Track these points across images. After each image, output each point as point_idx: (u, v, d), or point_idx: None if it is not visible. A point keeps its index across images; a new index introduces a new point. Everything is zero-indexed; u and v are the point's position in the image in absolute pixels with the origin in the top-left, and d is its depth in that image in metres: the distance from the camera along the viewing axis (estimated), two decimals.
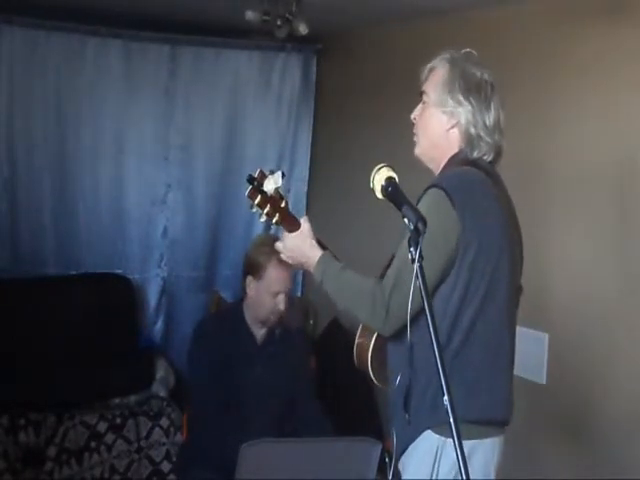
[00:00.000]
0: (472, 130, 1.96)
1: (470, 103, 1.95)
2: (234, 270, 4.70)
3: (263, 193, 1.94)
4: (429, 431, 1.87)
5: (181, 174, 4.51)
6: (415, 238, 1.48)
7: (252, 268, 2.84)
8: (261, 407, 2.84)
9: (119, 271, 4.39)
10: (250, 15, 3.22)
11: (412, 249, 1.47)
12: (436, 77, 2.02)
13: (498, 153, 2.01)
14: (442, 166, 2.01)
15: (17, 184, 4.11)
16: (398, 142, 3.83)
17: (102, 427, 3.68)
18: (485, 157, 1.98)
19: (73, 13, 3.97)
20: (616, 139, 2.91)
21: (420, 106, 2.07)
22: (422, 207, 1.82)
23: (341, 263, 1.98)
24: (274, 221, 2.01)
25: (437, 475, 1.88)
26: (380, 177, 1.74)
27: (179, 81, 4.42)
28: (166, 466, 3.72)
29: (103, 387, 3.88)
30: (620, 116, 2.89)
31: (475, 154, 1.98)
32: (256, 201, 1.95)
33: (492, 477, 1.99)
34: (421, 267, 1.47)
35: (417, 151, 2.08)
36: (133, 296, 4.36)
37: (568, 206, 3.07)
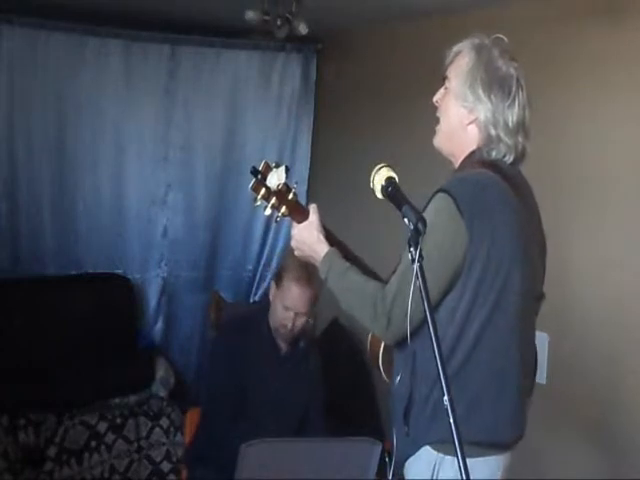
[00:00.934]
0: (492, 130, 1.87)
1: (490, 100, 1.86)
2: (234, 270, 4.72)
3: (267, 187, 1.87)
4: (427, 447, 1.82)
5: (181, 174, 4.51)
6: (415, 238, 1.47)
7: (278, 274, 2.78)
8: (277, 417, 2.77)
9: (119, 271, 4.39)
10: (250, 15, 3.21)
11: (412, 249, 1.45)
12: (459, 64, 1.91)
13: (521, 154, 1.91)
14: (460, 162, 1.93)
15: (17, 184, 4.11)
16: (398, 142, 3.86)
17: (102, 427, 3.68)
18: (505, 158, 1.89)
19: (73, 13, 3.97)
20: (618, 141, 2.91)
21: (442, 90, 1.96)
22: (429, 212, 1.78)
23: (346, 262, 1.91)
24: (281, 213, 1.92)
25: None
26: (380, 177, 1.73)
27: (179, 81, 4.42)
28: (166, 466, 3.72)
29: (103, 387, 3.88)
30: (620, 116, 2.89)
31: (494, 155, 1.88)
32: (260, 194, 1.87)
33: None
34: (421, 267, 1.45)
35: (435, 141, 1.99)
36: (133, 296, 4.36)
37: (567, 207, 3.07)
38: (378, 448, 2.19)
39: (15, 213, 4.12)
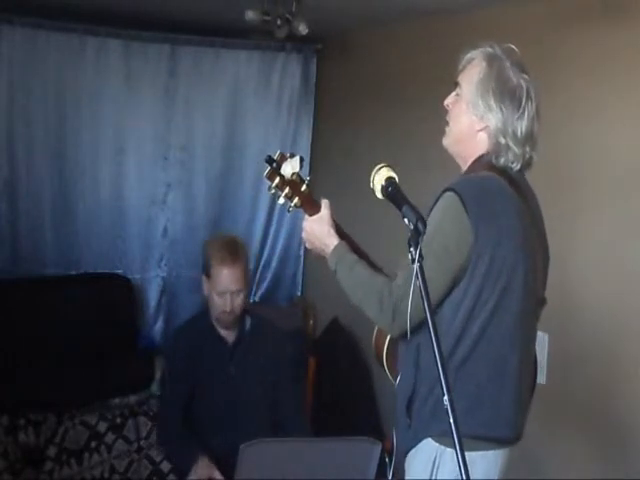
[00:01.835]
0: (501, 139, 1.90)
1: (501, 110, 1.89)
2: None
3: (281, 176, 1.92)
4: (429, 439, 1.85)
5: (181, 174, 4.50)
6: (415, 238, 1.48)
7: (205, 267, 2.87)
8: (245, 405, 2.86)
9: (119, 271, 4.39)
10: (250, 15, 3.22)
11: (412, 249, 1.46)
12: (472, 72, 1.94)
13: (527, 163, 1.96)
14: (468, 164, 1.97)
15: (17, 184, 4.11)
16: (398, 142, 3.85)
17: (102, 427, 3.67)
18: (512, 165, 1.93)
19: (73, 13, 3.97)
20: (617, 141, 2.91)
21: (454, 95, 1.99)
22: (436, 212, 1.83)
23: (355, 256, 1.95)
24: (293, 204, 1.97)
25: None
26: (380, 177, 1.74)
27: (179, 81, 4.41)
28: (166, 466, 3.71)
29: (103, 387, 3.87)
30: (621, 116, 2.88)
31: (502, 161, 1.92)
32: (274, 183, 1.93)
33: None
34: (421, 267, 1.46)
35: (445, 142, 2.03)
36: (133, 296, 4.36)
37: (567, 208, 3.07)
38: (378, 448, 2.19)
39: (15, 213, 4.12)
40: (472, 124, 1.93)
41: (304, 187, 1.96)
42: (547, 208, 2.04)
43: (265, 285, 4.71)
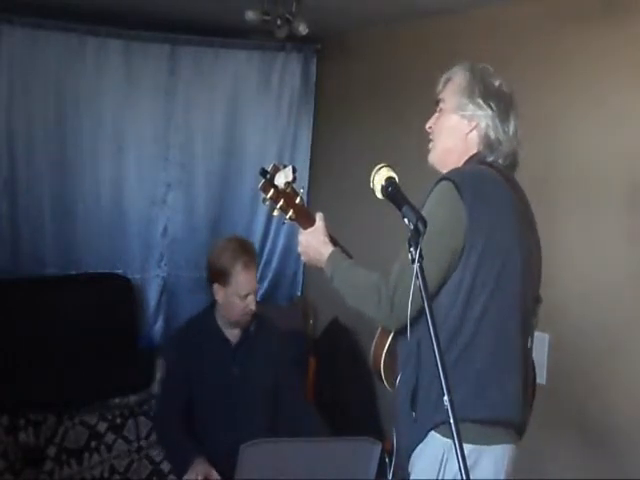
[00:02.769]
0: (492, 134, 1.95)
1: (490, 107, 1.95)
2: None
3: (276, 187, 1.92)
4: (436, 434, 1.84)
5: (181, 174, 4.50)
6: (415, 238, 1.48)
7: (217, 275, 2.86)
8: (247, 405, 2.87)
9: (119, 271, 4.38)
10: (250, 15, 3.22)
11: (412, 249, 1.47)
12: (455, 84, 2.00)
13: (515, 161, 2.01)
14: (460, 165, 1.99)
15: (17, 184, 4.10)
16: (398, 142, 3.85)
17: (102, 427, 3.67)
18: (502, 161, 1.97)
19: (73, 13, 3.97)
20: (616, 140, 2.91)
21: (436, 115, 2.05)
22: (431, 199, 1.87)
23: (350, 260, 1.97)
24: (288, 216, 1.98)
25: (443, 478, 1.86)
26: (380, 177, 1.74)
27: (179, 81, 4.41)
28: (166, 466, 3.71)
29: (103, 387, 3.87)
30: (620, 117, 2.88)
31: (492, 158, 1.96)
32: (269, 195, 1.93)
33: None
34: (421, 267, 1.46)
35: (431, 158, 2.06)
36: (133, 296, 4.36)
37: (569, 207, 3.07)
38: (378, 448, 2.19)
39: (15, 213, 4.12)
40: (461, 128, 1.98)
41: (298, 199, 1.97)
42: (547, 207, 2.05)
43: (265, 285, 4.71)
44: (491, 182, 1.91)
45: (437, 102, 2.04)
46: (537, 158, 3.12)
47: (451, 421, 1.37)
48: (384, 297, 1.82)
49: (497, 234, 1.87)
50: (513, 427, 1.94)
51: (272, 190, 1.92)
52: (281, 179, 1.92)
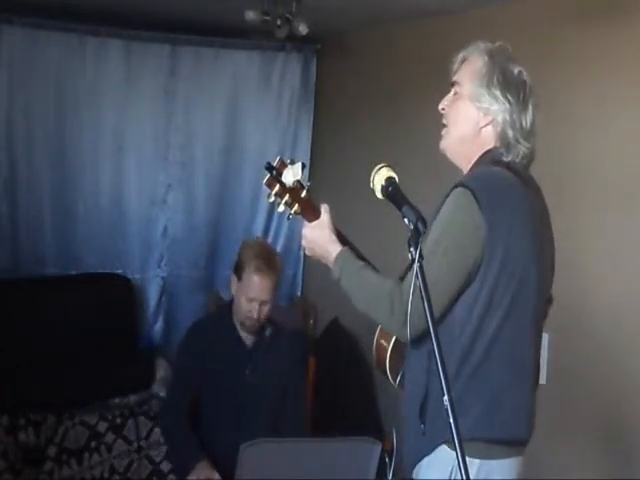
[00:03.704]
0: (509, 132, 1.84)
1: (508, 101, 1.83)
2: None
3: (282, 183, 1.84)
4: (445, 447, 1.78)
5: (181, 174, 4.51)
6: (415, 238, 1.46)
7: (237, 267, 2.85)
8: (254, 408, 2.86)
9: (119, 271, 4.39)
10: (250, 15, 3.22)
11: (412, 249, 1.44)
12: (472, 68, 1.87)
13: (532, 158, 1.91)
14: (471, 164, 1.89)
15: (17, 184, 4.11)
16: (398, 141, 3.85)
17: (102, 427, 3.68)
18: (518, 160, 1.87)
19: (73, 13, 3.97)
20: (618, 141, 2.91)
21: (451, 96, 1.92)
22: (448, 207, 1.77)
23: (360, 262, 1.88)
24: (293, 211, 1.89)
25: None
26: (380, 177, 1.72)
27: (179, 81, 4.42)
28: (166, 466, 3.72)
29: (103, 387, 3.88)
30: (621, 114, 2.89)
31: (510, 157, 1.86)
32: (274, 190, 1.84)
33: None
34: (421, 267, 1.44)
35: (443, 144, 1.93)
36: (133, 296, 4.36)
37: (569, 207, 3.07)
38: (378, 448, 2.19)
39: (15, 213, 4.12)
40: (476, 120, 1.86)
41: (304, 193, 1.89)
42: (551, 208, 2.04)
43: None
44: (508, 187, 1.81)
45: (452, 83, 1.92)
46: (541, 157, 3.11)
47: (451, 421, 1.34)
48: (397, 307, 1.73)
49: (515, 243, 1.77)
50: (523, 444, 1.89)
51: (278, 186, 1.84)
52: (289, 177, 1.83)
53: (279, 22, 3.22)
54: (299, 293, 4.79)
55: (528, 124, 1.85)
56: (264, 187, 1.86)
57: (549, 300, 1.99)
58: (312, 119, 4.70)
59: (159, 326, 4.54)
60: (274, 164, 1.85)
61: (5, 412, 3.51)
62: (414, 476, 1.91)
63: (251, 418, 2.83)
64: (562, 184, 3.10)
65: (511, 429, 1.81)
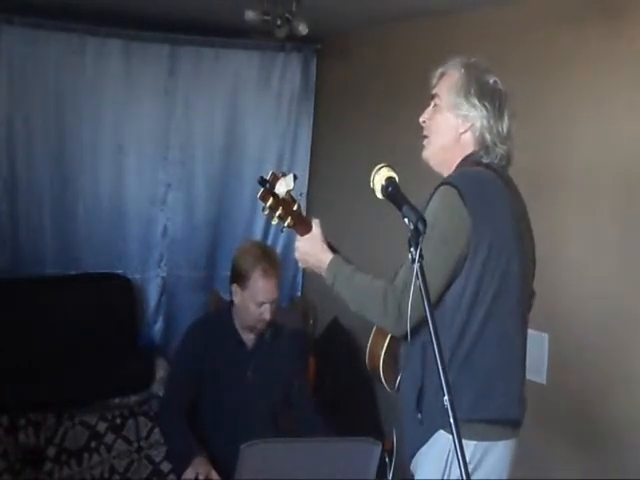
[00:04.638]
0: (487, 136, 1.96)
1: (485, 107, 1.95)
2: None
3: (275, 196, 1.91)
4: (442, 432, 1.85)
5: (181, 174, 4.50)
6: (415, 238, 1.48)
7: (238, 276, 2.84)
8: (255, 409, 2.86)
9: (119, 271, 4.39)
10: (250, 15, 3.21)
11: (412, 249, 1.47)
12: (449, 81, 2.00)
13: (509, 161, 2.02)
14: (453, 169, 2.00)
15: (17, 184, 4.11)
16: (398, 141, 3.85)
17: (102, 427, 3.68)
18: (497, 162, 1.98)
19: (73, 13, 3.97)
20: (616, 140, 2.91)
21: (431, 109, 2.05)
22: (433, 204, 1.87)
23: (352, 266, 1.97)
24: (286, 224, 1.97)
25: (449, 477, 1.87)
26: (380, 177, 1.74)
27: (179, 81, 4.41)
28: (166, 466, 3.71)
29: (103, 387, 3.87)
30: (620, 116, 2.89)
31: (488, 159, 1.97)
32: (268, 204, 1.92)
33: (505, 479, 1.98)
34: (421, 267, 1.47)
35: (426, 154, 2.06)
36: (133, 296, 4.36)
37: (568, 206, 3.07)
38: (378, 448, 2.19)
39: (15, 213, 4.12)
40: (455, 128, 1.98)
41: (295, 206, 1.96)
42: (547, 207, 2.05)
43: None
44: (490, 185, 1.93)
45: (432, 96, 2.04)
46: (536, 159, 3.12)
47: (451, 421, 1.37)
48: (391, 303, 1.82)
49: (499, 239, 1.88)
50: (517, 424, 1.98)
51: (271, 199, 1.91)
52: (282, 188, 1.90)
53: (279, 22, 3.22)
54: (299, 293, 4.80)
55: (504, 129, 1.97)
56: (259, 201, 1.93)
57: (531, 294, 2.07)
58: (312, 119, 4.70)
59: (159, 326, 4.54)
60: (267, 177, 1.92)
61: (5, 412, 3.50)
62: (413, 467, 1.97)
63: (252, 419, 2.83)
64: (562, 185, 3.10)
65: (504, 409, 1.91)
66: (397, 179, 1.73)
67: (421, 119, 2.07)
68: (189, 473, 2.62)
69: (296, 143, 4.69)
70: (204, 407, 2.88)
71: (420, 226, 1.50)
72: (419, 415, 1.87)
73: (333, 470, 2.19)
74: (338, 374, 4.09)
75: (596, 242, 2.97)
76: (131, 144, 4.36)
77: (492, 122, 1.95)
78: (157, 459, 3.75)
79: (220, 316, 3.01)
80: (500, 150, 1.97)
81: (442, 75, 2.03)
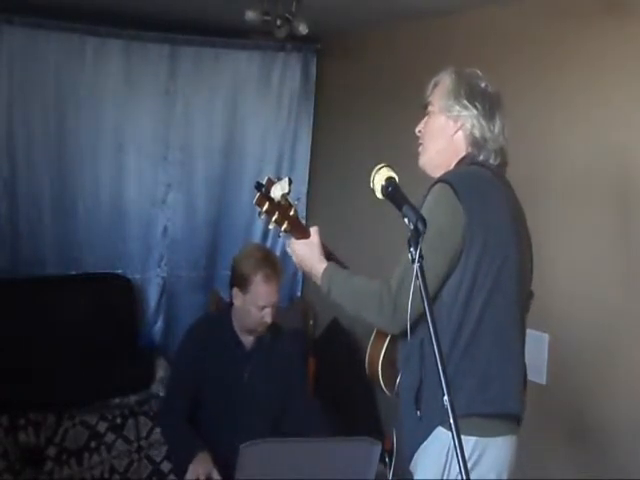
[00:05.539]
0: (477, 133, 1.98)
1: (475, 107, 1.98)
2: None
3: (271, 200, 1.92)
4: (441, 429, 1.86)
5: (181, 174, 4.51)
6: (415, 238, 1.49)
7: (239, 280, 2.83)
8: (253, 410, 2.86)
9: (119, 271, 4.39)
10: (250, 15, 3.21)
11: (412, 249, 1.48)
12: (442, 87, 2.05)
13: (504, 160, 2.03)
14: (450, 169, 2.02)
15: (17, 184, 4.11)
16: (398, 142, 3.85)
17: (102, 427, 3.68)
18: (491, 161, 2.00)
19: (73, 13, 3.97)
20: (616, 140, 2.91)
21: (425, 119, 2.09)
22: (429, 201, 1.89)
23: (346, 271, 1.99)
24: (282, 229, 1.99)
25: (448, 475, 1.88)
26: (380, 177, 1.75)
27: (179, 81, 4.42)
28: (166, 466, 3.72)
29: (103, 387, 3.88)
30: (620, 116, 2.89)
31: (482, 157, 2.00)
32: (264, 208, 1.93)
33: (505, 477, 1.99)
34: (421, 267, 1.47)
35: (422, 161, 2.09)
36: (133, 296, 4.36)
37: (569, 206, 3.07)
38: (378, 448, 2.19)
39: (15, 213, 4.12)
40: (448, 129, 2.01)
41: (292, 211, 1.97)
42: (547, 207, 2.05)
43: None
44: (485, 182, 1.95)
45: (426, 106, 2.08)
46: (536, 158, 3.12)
47: (451, 421, 1.37)
48: (386, 300, 1.84)
49: (494, 234, 1.90)
50: (515, 419, 1.99)
51: (267, 203, 1.92)
52: (277, 191, 1.92)
53: (279, 22, 3.22)
54: (299, 293, 4.79)
55: (496, 129, 2.00)
56: (255, 206, 1.95)
57: (530, 295, 2.08)
58: (312, 119, 4.70)
59: (159, 326, 4.54)
60: (263, 182, 1.94)
61: (5, 412, 3.51)
62: (412, 465, 1.98)
63: (250, 420, 2.83)
64: (562, 185, 3.10)
65: (501, 403, 1.92)
66: (397, 179, 1.74)
67: (417, 129, 2.11)
68: (190, 473, 2.62)
69: (296, 143, 4.69)
70: (203, 408, 2.88)
71: (420, 226, 1.51)
72: (418, 412, 1.89)
73: (333, 470, 2.19)
74: (338, 374, 4.09)
75: (596, 243, 2.97)
76: (131, 144, 4.36)
77: (483, 122, 1.98)
78: (157, 459, 3.75)
79: (219, 317, 3.01)
80: (491, 147, 1.99)
81: (435, 84, 2.08)
